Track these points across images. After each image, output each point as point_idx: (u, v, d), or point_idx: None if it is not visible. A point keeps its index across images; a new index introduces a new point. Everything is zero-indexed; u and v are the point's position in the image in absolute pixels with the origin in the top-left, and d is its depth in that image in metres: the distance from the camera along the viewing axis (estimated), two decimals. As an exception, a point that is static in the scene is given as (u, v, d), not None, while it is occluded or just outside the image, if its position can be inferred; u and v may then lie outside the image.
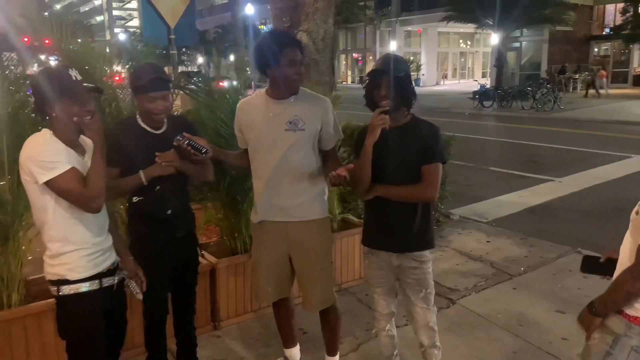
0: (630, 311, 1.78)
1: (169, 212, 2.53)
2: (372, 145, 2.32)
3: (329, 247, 2.74)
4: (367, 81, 2.41)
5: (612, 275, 1.90)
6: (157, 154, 2.44)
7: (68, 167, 1.96)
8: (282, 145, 2.50)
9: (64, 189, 1.95)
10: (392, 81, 2.31)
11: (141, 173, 2.42)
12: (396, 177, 2.39)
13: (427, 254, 2.48)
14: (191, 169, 2.56)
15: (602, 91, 23.12)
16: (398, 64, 2.37)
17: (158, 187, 2.47)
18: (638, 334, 1.77)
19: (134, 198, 2.51)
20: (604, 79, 24.08)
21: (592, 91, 23.25)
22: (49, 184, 1.95)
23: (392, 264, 2.50)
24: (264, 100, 2.57)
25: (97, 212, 2.04)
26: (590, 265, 2.06)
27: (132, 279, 2.34)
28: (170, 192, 2.52)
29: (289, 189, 2.56)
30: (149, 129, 2.49)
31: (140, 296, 2.36)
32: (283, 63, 2.41)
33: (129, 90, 2.52)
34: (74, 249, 2.06)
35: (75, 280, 2.07)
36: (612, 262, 1.92)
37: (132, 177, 2.42)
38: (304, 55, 2.53)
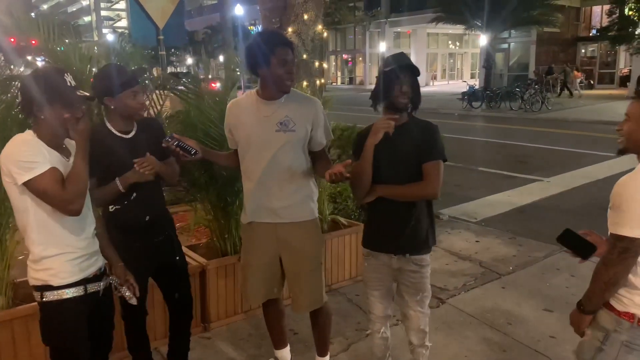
0: (618, 306, 1.82)
1: (147, 218, 2.51)
2: (373, 146, 2.31)
3: (319, 249, 2.73)
4: (386, 75, 2.34)
5: (585, 257, 1.95)
6: (134, 161, 2.38)
7: (47, 167, 1.91)
8: (272, 146, 2.49)
9: (42, 190, 1.91)
10: (413, 79, 2.34)
11: (117, 181, 2.38)
12: (396, 177, 2.38)
13: (427, 258, 2.49)
14: (166, 172, 2.54)
15: (575, 92, 23.47)
16: (411, 61, 2.39)
17: (135, 195, 2.44)
18: (628, 329, 1.80)
19: (110, 207, 2.46)
20: (577, 80, 24.32)
21: (565, 92, 23.63)
22: (28, 185, 1.91)
23: (392, 266, 2.50)
24: (255, 101, 2.55)
25: (76, 215, 1.99)
26: (572, 239, 2.02)
27: (122, 285, 2.30)
28: (148, 199, 2.49)
29: (278, 190, 2.55)
30: (119, 134, 2.45)
31: (134, 301, 2.32)
32: (274, 62, 2.39)
33: (101, 94, 2.39)
34: (58, 253, 2.02)
35: (59, 285, 2.03)
36: (589, 245, 1.96)
37: (108, 187, 2.38)
38: (296, 55, 2.52)
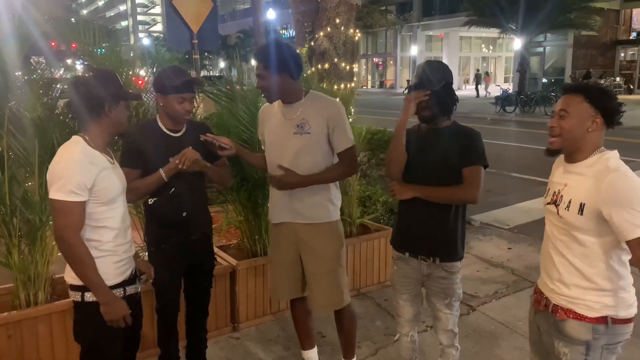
0: (590, 313, 1.85)
1: (185, 214, 2.56)
2: (404, 122, 2.37)
3: (337, 251, 2.73)
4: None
5: None
6: (171, 158, 2.46)
7: (78, 199, 1.95)
8: (290, 149, 2.56)
9: (57, 214, 1.96)
10: (430, 96, 2.36)
11: (161, 171, 2.46)
12: (430, 179, 2.37)
13: (458, 264, 2.46)
14: (212, 170, 2.61)
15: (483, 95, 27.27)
16: (435, 75, 2.39)
17: (173, 189, 2.50)
18: (604, 333, 1.85)
19: (150, 200, 2.54)
20: (489, 84, 29.09)
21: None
22: (52, 201, 1.96)
23: (422, 272, 2.49)
24: (279, 105, 2.64)
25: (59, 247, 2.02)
26: None
27: (149, 279, 2.42)
28: (186, 194, 2.55)
29: (298, 191, 2.59)
30: (168, 132, 2.55)
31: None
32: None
33: (155, 90, 2.55)
34: (102, 255, 2.07)
35: None
36: None
37: (152, 176, 2.45)
38: (269, 70, 2.46)
